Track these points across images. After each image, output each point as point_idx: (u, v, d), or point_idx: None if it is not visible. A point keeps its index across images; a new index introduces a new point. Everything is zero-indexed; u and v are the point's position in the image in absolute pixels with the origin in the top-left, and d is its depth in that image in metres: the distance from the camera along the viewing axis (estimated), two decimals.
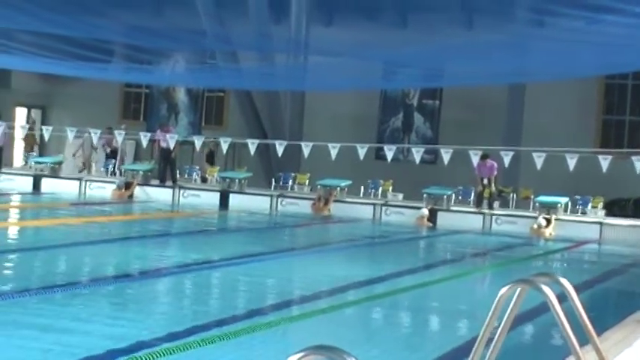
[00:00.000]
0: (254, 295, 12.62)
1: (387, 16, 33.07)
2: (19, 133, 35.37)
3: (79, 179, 30.31)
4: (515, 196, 28.46)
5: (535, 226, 25.31)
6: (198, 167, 32.48)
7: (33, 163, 32.28)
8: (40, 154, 35.55)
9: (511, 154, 26.49)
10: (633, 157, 25.61)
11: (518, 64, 25.73)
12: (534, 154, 26.11)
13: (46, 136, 31.82)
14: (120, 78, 35.23)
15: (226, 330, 9.38)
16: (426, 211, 26.36)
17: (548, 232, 25.15)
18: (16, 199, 27.85)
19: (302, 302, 11.99)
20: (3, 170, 31.20)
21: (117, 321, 9.94)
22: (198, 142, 29.95)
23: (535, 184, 27.88)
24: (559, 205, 26.37)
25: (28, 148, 35.83)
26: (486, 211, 26.77)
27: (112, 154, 33.21)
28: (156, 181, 30.19)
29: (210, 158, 32.87)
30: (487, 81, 28.14)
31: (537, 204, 26.65)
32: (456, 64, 27.09)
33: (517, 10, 27.55)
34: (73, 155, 34.01)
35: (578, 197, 27.39)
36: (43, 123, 36.63)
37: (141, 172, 30.33)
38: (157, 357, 8.01)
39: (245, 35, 30.47)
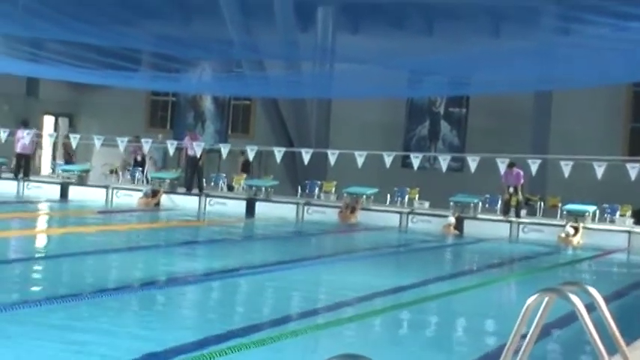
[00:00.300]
0: (281, 303, 12.62)
1: (413, 24, 33.05)
2: (47, 141, 35.57)
3: (106, 187, 30.44)
4: (542, 204, 28.34)
5: (563, 234, 25.19)
6: (224, 175, 32.52)
7: (60, 171, 32.44)
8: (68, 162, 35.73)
9: (538, 162, 26.35)
10: None
11: (545, 72, 25.63)
12: (562, 162, 25.93)
13: (74, 144, 32.00)
14: (147, 86, 35.37)
15: (253, 338, 9.38)
16: (452, 219, 26.31)
17: (576, 240, 25.01)
18: (43, 207, 28.00)
19: (328, 310, 11.96)
20: (31, 178, 31.38)
21: (143, 328, 9.97)
22: (224, 150, 29.96)
23: (562, 192, 27.76)
24: (587, 213, 26.25)
25: (67, 157, 35.73)
26: (513, 219, 26.68)
27: (141, 163, 33.36)
28: (182, 189, 30.27)
29: (247, 167, 32.68)
30: (514, 88, 28.06)
31: (565, 212, 26.54)
32: (483, 71, 27.05)
33: (543, 17, 27.50)
34: (125, 166, 34.05)
35: (606, 205, 27.26)
36: (71, 131, 36.83)
37: (167, 181, 30.41)
38: None
39: (272, 44, 30.55)
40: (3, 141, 30.97)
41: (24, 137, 30.89)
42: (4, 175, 31.79)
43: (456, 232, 26.10)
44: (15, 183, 30.76)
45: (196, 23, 35.04)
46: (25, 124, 31.89)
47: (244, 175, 32.23)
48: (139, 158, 33.69)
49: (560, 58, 24.42)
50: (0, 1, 26.56)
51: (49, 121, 39.70)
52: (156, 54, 32.23)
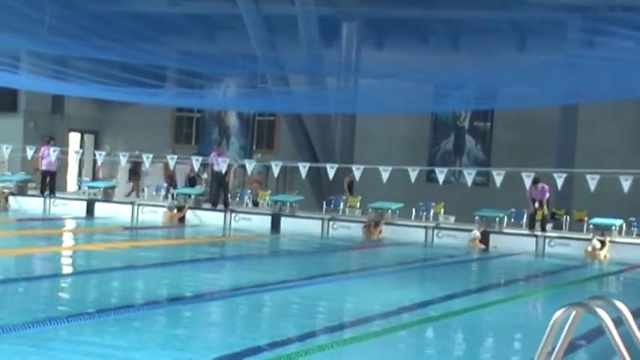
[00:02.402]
0: (306, 319, 12.60)
1: (438, 39, 33.05)
2: (73, 158, 35.69)
3: (132, 203, 30.53)
4: (568, 218, 28.21)
5: (589, 248, 25.04)
6: (249, 191, 32.55)
7: (86, 188, 32.56)
8: (93, 179, 35.86)
9: (564, 175, 26.25)
10: None
11: (571, 85, 25.55)
12: (588, 176, 25.80)
13: (99, 161, 32.16)
14: (172, 103, 35.51)
15: (279, 353, 9.37)
16: (477, 234, 26.20)
17: (603, 254, 24.85)
18: (70, 224, 28.12)
19: (354, 325, 11.94)
20: (57, 195, 31.50)
21: (170, 344, 9.97)
22: (249, 165, 30.04)
23: (589, 206, 27.61)
24: (613, 227, 26.08)
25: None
26: (539, 233, 26.55)
27: (192, 181, 33.07)
28: (207, 205, 30.30)
29: (351, 188, 32.15)
30: (540, 102, 27.96)
31: (591, 226, 26.39)
32: (509, 85, 27.00)
33: (569, 31, 27.43)
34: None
35: (632, 219, 27.08)
36: (96, 148, 37.01)
37: (192, 196, 30.47)
38: None
39: (296, 59, 30.61)
40: (29, 158, 31.14)
41: (49, 154, 31.00)
42: (30, 192, 31.95)
43: (482, 246, 26.00)
44: (41, 200, 30.91)
45: (221, 40, 35.19)
46: (51, 141, 31.97)
47: (269, 191, 32.21)
48: (192, 176, 33.26)
49: (586, 71, 24.34)
50: (26, 20, 26.76)
51: (74, 138, 39.91)
52: (181, 70, 32.38)
